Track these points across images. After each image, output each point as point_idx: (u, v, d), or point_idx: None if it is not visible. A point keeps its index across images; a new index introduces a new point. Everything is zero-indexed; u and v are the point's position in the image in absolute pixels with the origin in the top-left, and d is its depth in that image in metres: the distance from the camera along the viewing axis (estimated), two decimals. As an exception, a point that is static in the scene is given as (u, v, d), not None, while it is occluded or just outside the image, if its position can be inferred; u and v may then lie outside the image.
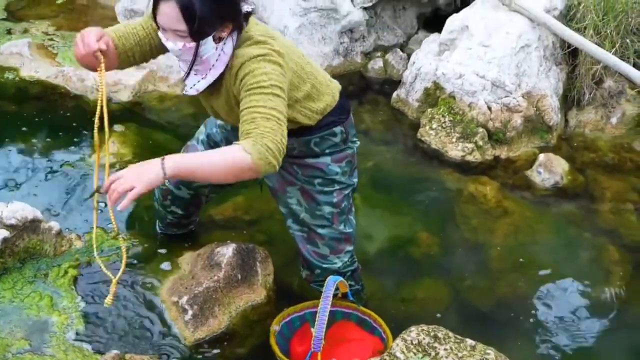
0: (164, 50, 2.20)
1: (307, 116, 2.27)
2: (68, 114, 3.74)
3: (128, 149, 3.43)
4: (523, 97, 3.82)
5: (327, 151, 2.37)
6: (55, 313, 2.42)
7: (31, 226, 2.60)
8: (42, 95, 3.89)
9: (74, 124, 3.63)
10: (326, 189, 2.40)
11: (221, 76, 2.12)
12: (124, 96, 3.92)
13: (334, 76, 2.55)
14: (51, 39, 4.41)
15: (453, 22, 4.09)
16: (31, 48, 4.18)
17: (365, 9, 4.49)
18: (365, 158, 3.51)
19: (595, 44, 3.85)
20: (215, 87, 2.16)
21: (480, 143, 3.72)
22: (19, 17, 4.72)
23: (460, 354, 1.98)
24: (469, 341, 2.04)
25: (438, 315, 2.73)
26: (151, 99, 3.98)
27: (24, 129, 3.58)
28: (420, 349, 2.00)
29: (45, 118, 3.69)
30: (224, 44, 2.07)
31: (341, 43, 4.50)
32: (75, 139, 3.51)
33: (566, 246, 3.17)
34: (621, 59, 3.82)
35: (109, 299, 2.13)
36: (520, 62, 3.85)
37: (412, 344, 2.02)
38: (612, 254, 3.10)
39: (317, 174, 2.38)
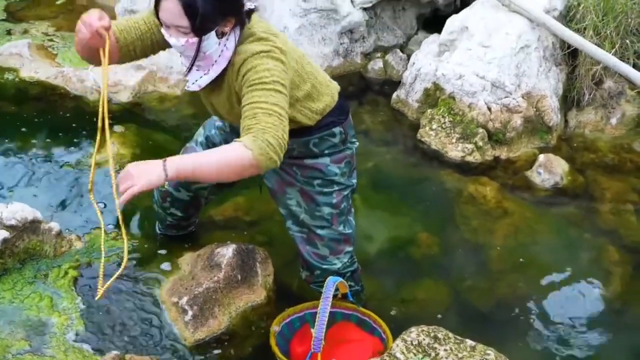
0: (165, 45, 2.20)
1: (307, 116, 2.27)
2: (68, 115, 3.74)
3: (128, 150, 3.43)
4: (523, 97, 3.81)
5: (326, 152, 2.37)
6: (55, 314, 2.42)
7: (31, 227, 2.60)
8: (41, 96, 3.88)
9: (73, 125, 3.63)
10: (325, 189, 2.40)
11: (223, 72, 2.13)
12: (124, 97, 3.91)
13: (334, 77, 2.55)
14: (51, 40, 4.41)
15: (453, 22, 4.09)
16: (31, 49, 4.18)
17: (365, 9, 4.49)
18: (365, 159, 3.51)
19: (595, 44, 3.85)
20: (217, 83, 2.16)
21: (480, 144, 3.71)
22: (18, 17, 4.72)
23: (460, 355, 1.98)
24: (469, 342, 2.04)
25: (438, 315, 2.73)
26: (151, 99, 3.98)
27: (23, 129, 3.58)
28: (420, 350, 2.00)
29: (45, 119, 3.69)
30: (227, 39, 2.07)
31: (341, 44, 4.50)
32: (75, 140, 3.51)
33: (566, 247, 3.17)
34: (621, 60, 3.82)
35: (100, 292, 2.02)
36: (520, 62, 3.85)
37: (412, 344, 2.02)
38: (612, 255, 3.10)
39: (317, 175, 2.38)
